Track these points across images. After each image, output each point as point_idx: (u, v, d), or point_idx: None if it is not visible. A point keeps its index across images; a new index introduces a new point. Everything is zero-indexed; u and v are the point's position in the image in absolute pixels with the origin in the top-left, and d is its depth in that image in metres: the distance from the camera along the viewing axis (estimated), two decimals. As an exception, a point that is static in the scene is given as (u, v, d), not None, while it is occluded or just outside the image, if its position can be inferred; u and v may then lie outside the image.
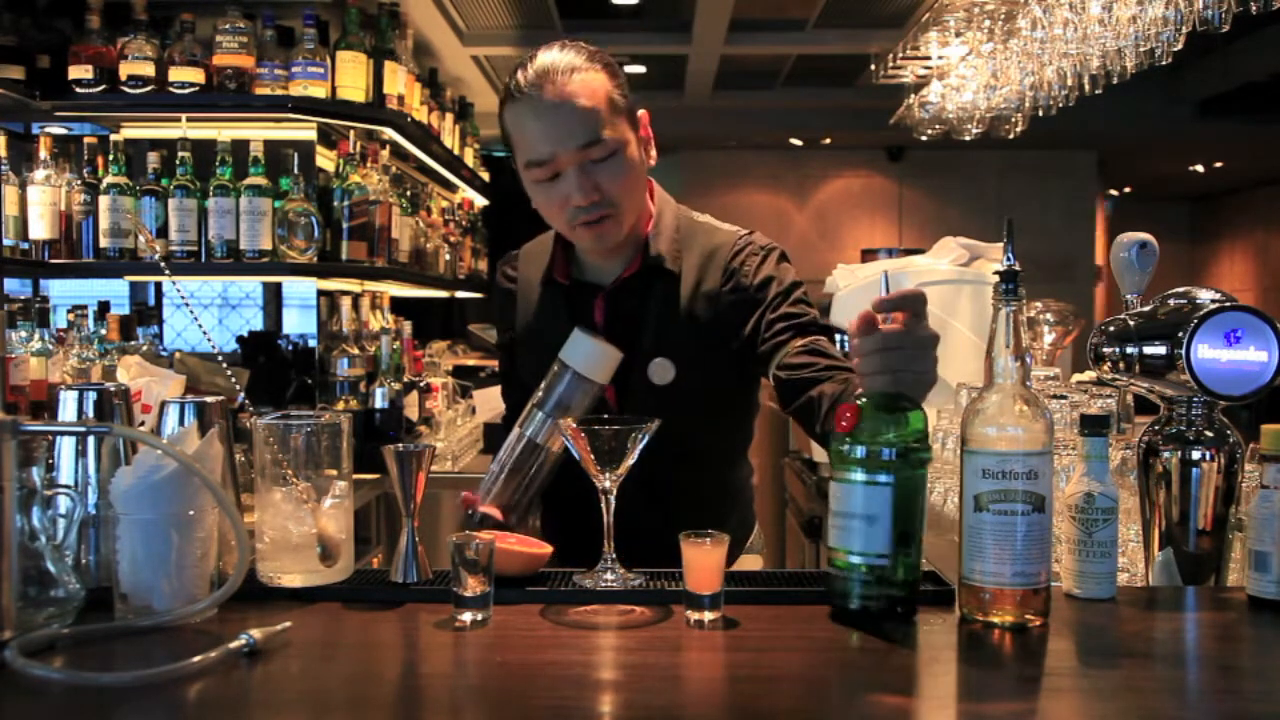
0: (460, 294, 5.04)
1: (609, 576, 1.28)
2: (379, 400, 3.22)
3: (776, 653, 1.11)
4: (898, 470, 1.16)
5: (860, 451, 1.16)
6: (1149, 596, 1.35)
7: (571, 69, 1.48)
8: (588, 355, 1.52)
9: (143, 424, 1.78)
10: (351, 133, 3.24)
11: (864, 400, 1.18)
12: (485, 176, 5.29)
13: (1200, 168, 10.39)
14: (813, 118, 8.28)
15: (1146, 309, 1.48)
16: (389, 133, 3.41)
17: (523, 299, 1.72)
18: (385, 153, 3.42)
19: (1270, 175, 10.47)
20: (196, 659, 1.00)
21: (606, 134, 1.48)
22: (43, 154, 2.89)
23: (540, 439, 1.55)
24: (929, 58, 3.76)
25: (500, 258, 1.85)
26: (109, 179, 2.90)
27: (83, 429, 1.25)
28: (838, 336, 2.96)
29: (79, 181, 2.94)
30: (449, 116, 4.38)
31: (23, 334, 2.47)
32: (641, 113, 1.59)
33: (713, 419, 1.66)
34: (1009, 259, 1.20)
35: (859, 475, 1.16)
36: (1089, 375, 2.23)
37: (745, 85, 7.37)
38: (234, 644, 1.04)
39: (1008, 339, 1.18)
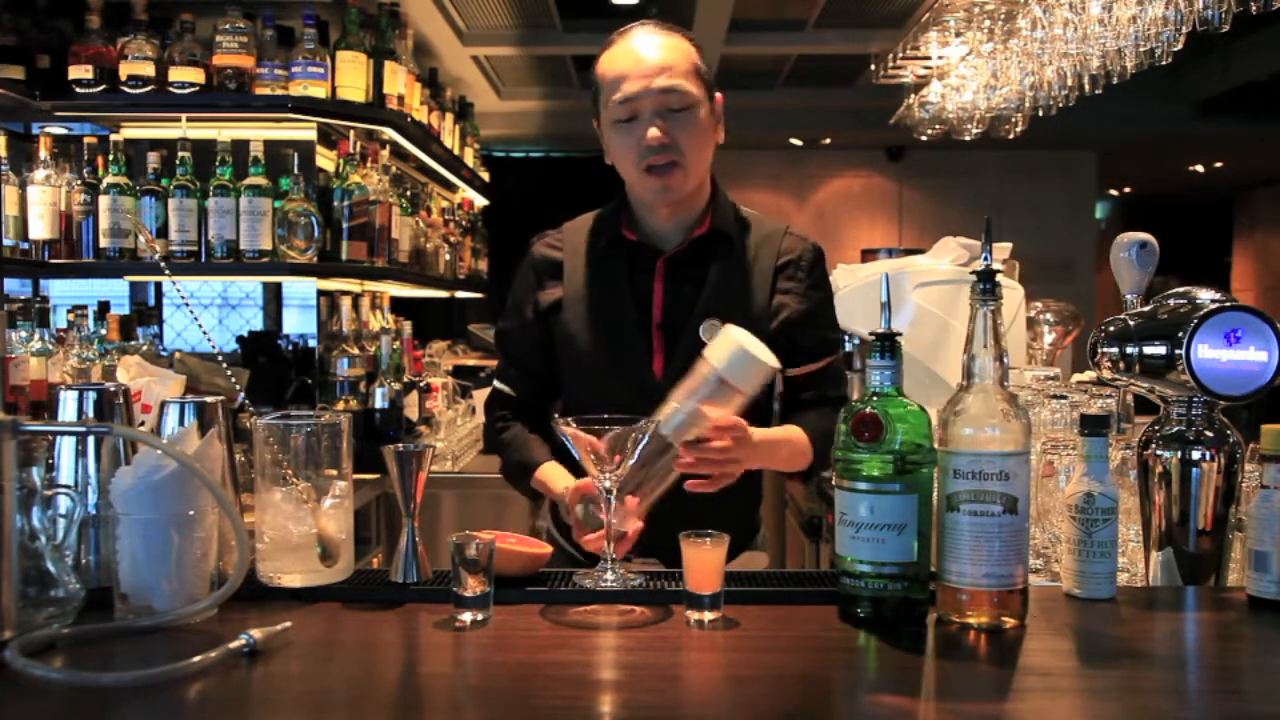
0: (460, 294, 5.04)
1: (609, 576, 1.28)
2: (379, 400, 3.22)
3: (776, 653, 1.11)
4: (917, 477, 1.16)
5: (882, 462, 1.16)
6: (1149, 596, 1.35)
7: (667, 34, 1.68)
8: (739, 363, 1.44)
9: (143, 424, 1.78)
10: (351, 133, 3.24)
11: (880, 410, 1.17)
12: (485, 176, 5.29)
13: (1200, 168, 10.38)
14: (813, 118, 8.27)
15: (1146, 309, 1.48)
16: (389, 133, 3.41)
17: (572, 266, 1.76)
18: (385, 153, 3.42)
19: (1270, 175, 10.47)
20: (196, 659, 1.00)
21: (685, 86, 1.63)
22: (43, 154, 2.89)
23: (672, 436, 1.45)
24: (929, 58, 3.76)
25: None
26: (109, 179, 2.90)
27: (83, 429, 1.25)
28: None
29: (79, 181, 2.94)
30: (449, 116, 4.38)
31: (23, 334, 2.47)
32: (718, 95, 1.72)
33: None
34: (985, 258, 1.20)
35: (880, 486, 1.15)
36: (1089, 375, 2.23)
37: (745, 85, 7.37)
38: (234, 644, 1.04)
39: (986, 339, 1.18)
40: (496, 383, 1.86)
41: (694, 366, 1.47)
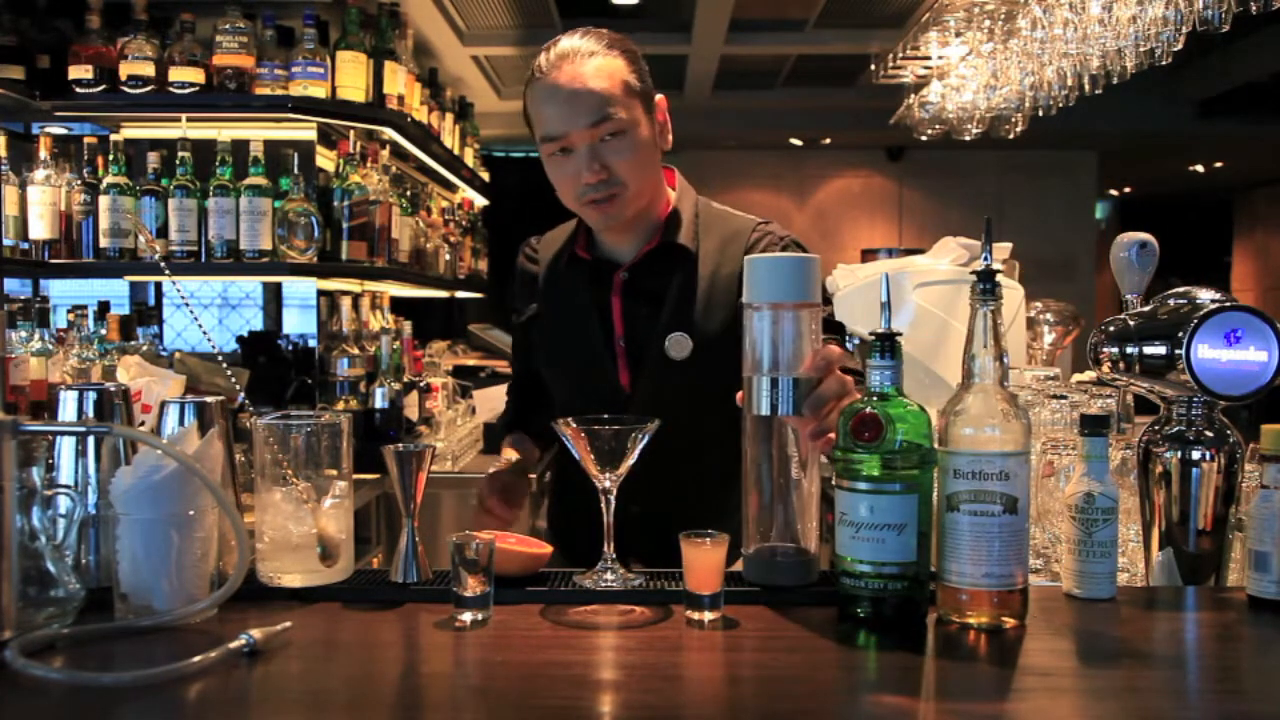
0: (460, 294, 5.04)
1: (609, 576, 1.28)
2: (379, 400, 3.22)
3: (776, 653, 1.11)
4: (917, 477, 1.16)
5: (883, 462, 1.16)
6: (1149, 596, 1.35)
7: (589, 53, 1.57)
8: (782, 273, 1.21)
9: (143, 424, 1.78)
10: (351, 133, 3.24)
11: (880, 411, 1.17)
12: (485, 176, 5.29)
13: (1200, 168, 10.39)
14: (813, 118, 8.28)
15: (1146, 309, 1.48)
16: (389, 133, 3.41)
17: (544, 279, 1.78)
18: (385, 153, 3.42)
19: (1270, 175, 10.47)
20: (196, 659, 1.00)
21: (616, 114, 1.55)
22: (43, 154, 2.89)
23: (765, 409, 1.25)
24: (929, 58, 3.76)
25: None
26: (109, 179, 2.90)
27: (83, 429, 1.25)
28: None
29: (79, 181, 2.94)
30: (449, 116, 4.38)
31: (23, 334, 2.47)
32: (659, 98, 1.66)
33: (725, 399, 1.68)
34: (985, 258, 1.20)
35: (880, 486, 1.15)
36: (1089, 375, 2.23)
37: (745, 85, 7.37)
38: (234, 644, 1.04)
39: (986, 339, 1.18)
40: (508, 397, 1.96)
41: (745, 325, 1.27)
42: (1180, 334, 1.34)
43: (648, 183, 1.64)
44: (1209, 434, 1.38)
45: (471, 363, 5.29)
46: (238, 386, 1.51)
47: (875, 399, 1.18)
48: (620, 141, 1.57)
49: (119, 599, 1.14)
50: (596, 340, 1.68)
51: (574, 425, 1.28)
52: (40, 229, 2.86)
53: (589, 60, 1.56)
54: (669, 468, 1.56)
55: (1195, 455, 1.38)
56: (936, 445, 1.18)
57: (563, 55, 1.57)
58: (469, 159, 4.86)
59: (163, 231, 2.91)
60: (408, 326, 3.82)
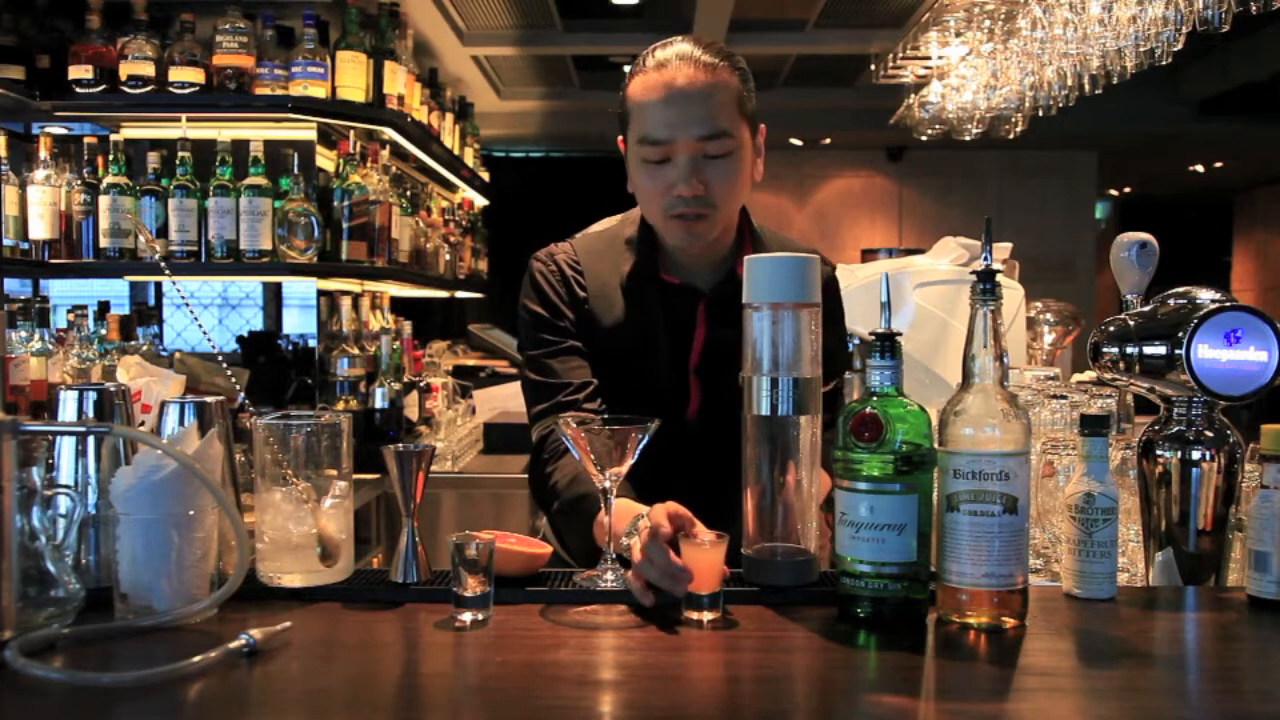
0: (460, 294, 5.04)
1: (609, 576, 1.28)
2: (379, 400, 3.22)
3: (776, 653, 1.11)
4: (917, 477, 1.16)
5: (882, 462, 1.16)
6: (1149, 596, 1.35)
7: (709, 62, 1.50)
8: (776, 273, 1.24)
9: (143, 424, 1.77)
10: (351, 133, 3.24)
11: (880, 410, 1.17)
12: (485, 176, 5.29)
13: (1200, 168, 10.39)
14: (813, 118, 8.27)
15: (1146, 309, 1.48)
16: (389, 133, 3.41)
17: (598, 294, 1.62)
18: (385, 153, 3.42)
19: (1270, 175, 10.47)
20: (196, 659, 1.00)
21: (727, 132, 1.49)
22: (43, 154, 2.89)
23: (765, 409, 1.27)
24: (929, 58, 3.76)
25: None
26: (109, 179, 2.90)
27: (83, 429, 1.25)
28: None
29: (79, 181, 2.94)
30: (449, 116, 4.38)
31: (23, 334, 2.47)
32: (761, 125, 1.59)
33: None
34: (986, 258, 1.20)
35: (880, 486, 1.15)
36: (1089, 375, 2.23)
37: (745, 85, 7.37)
38: (234, 644, 1.04)
39: (985, 339, 1.18)
40: (558, 421, 1.43)
41: (744, 325, 1.28)
42: (1180, 334, 1.34)
43: (735, 208, 1.58)
44: (1209, 434, 1.38)
45: (471, 363, 5.29)
46: (238, 386, 1.51)
47: (875, 399, 1.18)
48: (724, 162, 1.50)
49: (119, 599, 1.14)
50: (667, 367, 1.59)
51: (573, 425, 1.28)
52: (40, 229, 2.86)
53: (709, 69, 1.49)
54: (700, 480, 1.53)
55: (1195, 455, 1.38)
56: (936, 445, 1.18)
57: (682, 56, 1.50)
58: (469, 159, 4.86)
59: (163, 231, 2.91)
60: (408, 326, 3.82)
